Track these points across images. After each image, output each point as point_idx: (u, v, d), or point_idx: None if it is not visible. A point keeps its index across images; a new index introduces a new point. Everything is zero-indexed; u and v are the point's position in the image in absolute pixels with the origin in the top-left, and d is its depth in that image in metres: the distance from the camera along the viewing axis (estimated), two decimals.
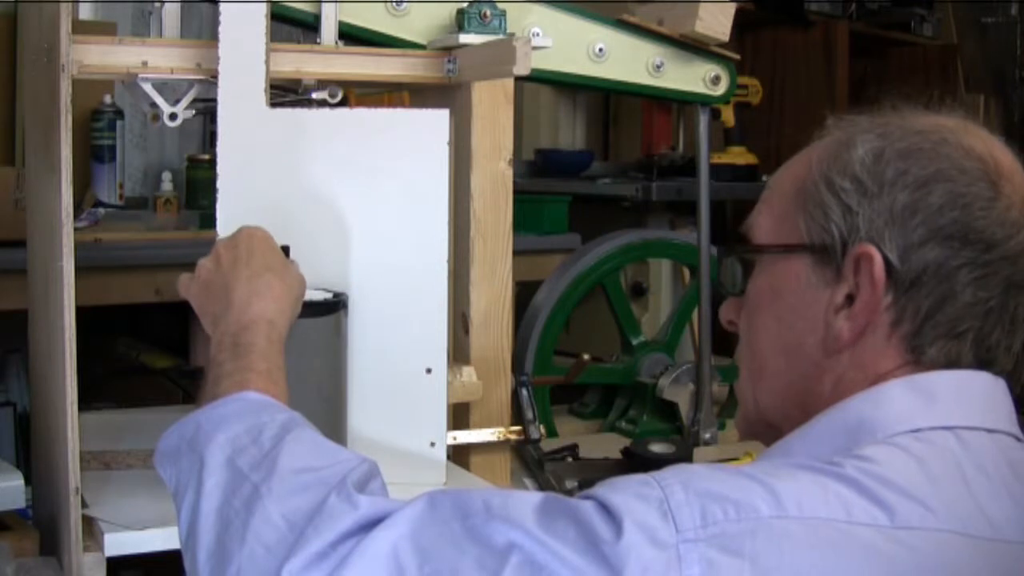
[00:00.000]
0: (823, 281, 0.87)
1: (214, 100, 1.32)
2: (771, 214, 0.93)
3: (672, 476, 0.76)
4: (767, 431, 0.94)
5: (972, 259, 0.83)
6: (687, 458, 1.64)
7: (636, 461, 1.64)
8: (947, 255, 0.83)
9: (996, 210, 0.84)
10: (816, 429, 0.85)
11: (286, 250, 1.26)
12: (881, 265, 0.84)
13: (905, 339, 0.85)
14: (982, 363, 0.85)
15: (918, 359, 0.85)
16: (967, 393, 0.84)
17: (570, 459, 1.69)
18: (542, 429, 1.60)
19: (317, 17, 1.45)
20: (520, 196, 1.58)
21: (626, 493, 0.75)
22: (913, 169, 0.85)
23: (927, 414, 0.82)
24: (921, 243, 0.83)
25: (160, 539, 1.21)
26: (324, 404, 1.24)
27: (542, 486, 1.57)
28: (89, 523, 1.22)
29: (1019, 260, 0.85)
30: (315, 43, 1.45)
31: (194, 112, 1.37)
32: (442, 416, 1.36)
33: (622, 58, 1.73)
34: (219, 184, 1.31)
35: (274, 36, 1.33)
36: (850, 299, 0.86)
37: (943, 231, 0.83)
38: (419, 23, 1.56)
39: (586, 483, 1.53)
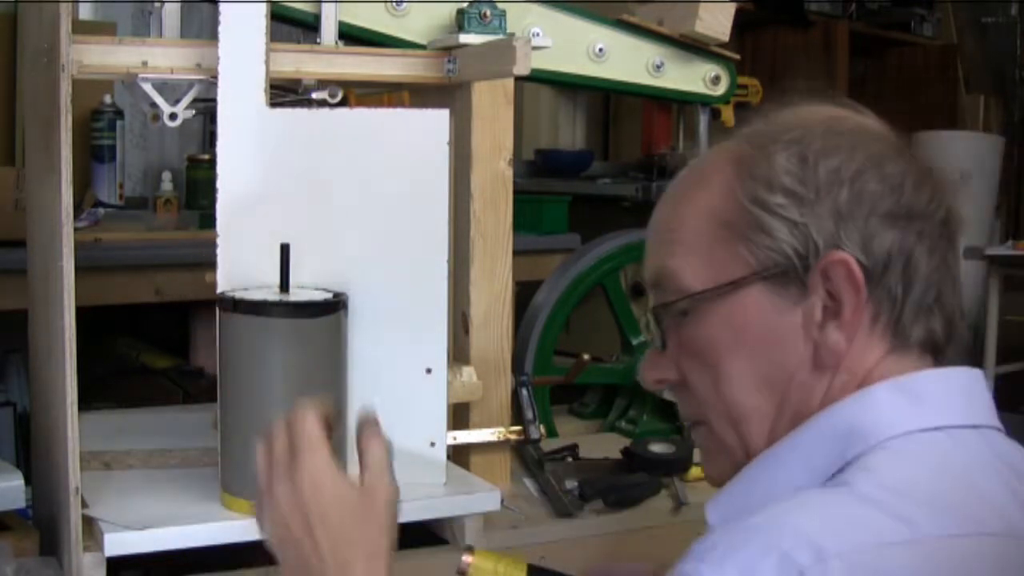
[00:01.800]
0: (787, 303, 0.84)
1: (214, 100, 1.31)
2: (693, 255, 0.87)
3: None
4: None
5: (920, 231, 0.84)
6: (687, 458, 1.64)
7: (636, 461, 1.63)
8: (901, 235, 0.83)
9: (913, 180, 0.85)
10: (806, 437, 0.84)
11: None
12: (856, 266, 0.82)
13: (888, 327, 0.84)
14: (949, 333, 0.86)
15: (904, 343, 0.84)
16: (951, 390, 0.84)
17: (570, 459, 1.69)
18: (542, 429, 1.60)
19: (317, 17, 1.45)
20: (520, 196, 1.58)
21: None
22: (843, 164, 0.84)
23: (917, 416, 0.82)
24: (876, 232, 0.83)
25: (160, 539, 1.21)
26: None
27: (542, 486, 1.57)
28: (89, 523, 1.22)
29: (947, 219, 0.86)
30: (315, 43, 1.45)
31: (194, 112, 1.37)
32: (442, 416, 1.36)
33: (622, 58, 1.73)
34: (219, 184, 1.31)
35: (274, 36, 1.33)
36: (827, 309, 0.84)
37: (890, 214, 0.83)
38: (419, 23, 1.56)
39: (586, 483, 1.53)
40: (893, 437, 0.80)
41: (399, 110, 1.37)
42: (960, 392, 0.85)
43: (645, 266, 0.93)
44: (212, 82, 1.32)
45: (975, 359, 3.56)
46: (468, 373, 1.50)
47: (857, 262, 0.82)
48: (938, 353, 0.86)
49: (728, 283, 0.85)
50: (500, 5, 1.49)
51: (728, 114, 3.15)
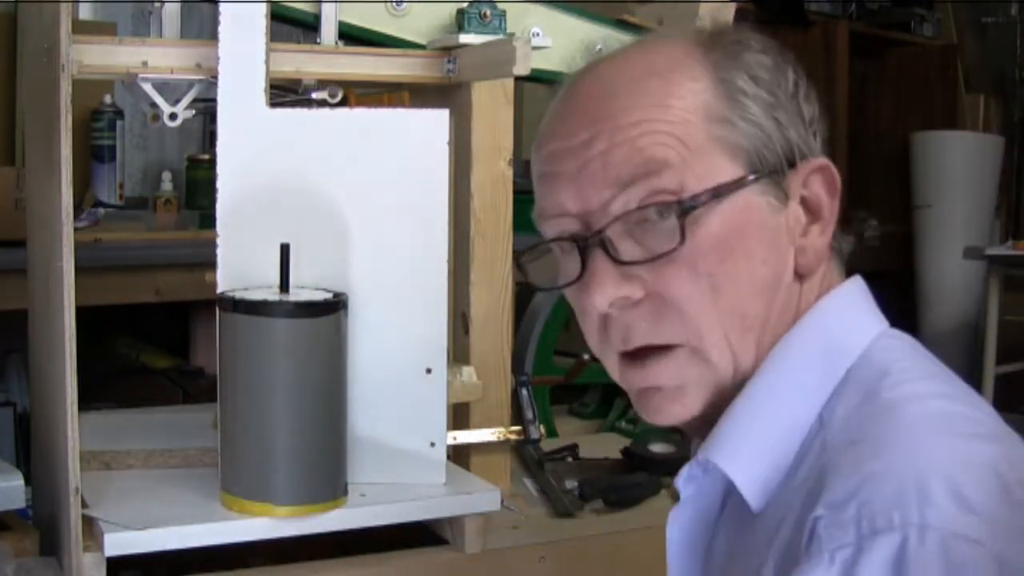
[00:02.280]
0: (775, 204, 0.80)
1: (214, 100, 1.32)
2: (688, 151, 0.79)
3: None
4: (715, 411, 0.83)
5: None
6: (687, 458, 1.63)
7: (636, 461, 1.64)
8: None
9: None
10: (791, 358, 0.80)
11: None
12: (837, 176, 0.82)
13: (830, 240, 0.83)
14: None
15: (838, 251, 0.85)
16: (868, 295, 0.85)
17: (570, 459, 1.69)
18: (542, 429, 1.60)
19: (317, 17, 1.45)
20: (520, 196, 1.58)
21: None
22: (793, 67, 0.83)
23: (871, 322, 0.82)
24: (812, 135, 0.83)
25: (160, 539, 1.21)
26: (324, 404, 1.24)
27: (542, 486, 1.57)
28: (89, 523, 1.22)
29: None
30: (315, 43, 1.45)
31: (194, 112, 1.37)
32: (442, 416, 1.36)
33: None
34: (219, 184, 1.31)
35: (274, 36, 1.33)
36: (808, 214, 0.82)
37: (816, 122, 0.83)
38: (419, 23, 1.56)
39: (586, 483, 1.53)
40: (870, 345, 0.80)
41: (399, 110, 1.37)
42: (871, 296, 0.85)
43: (611, 155, 0.79)
44: (212, 82, 1.32)
45: (975, 359, 3.56)
46: (468, 373, 1.50)
47: None
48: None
49: (732, 181, 0.78)
50: (500, 5, 1.49)
51: None
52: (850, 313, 0.82)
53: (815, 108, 0.83)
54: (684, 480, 0.85)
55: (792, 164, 0.81)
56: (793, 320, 0.81)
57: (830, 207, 0.82)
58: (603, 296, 0.80)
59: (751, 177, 0.79)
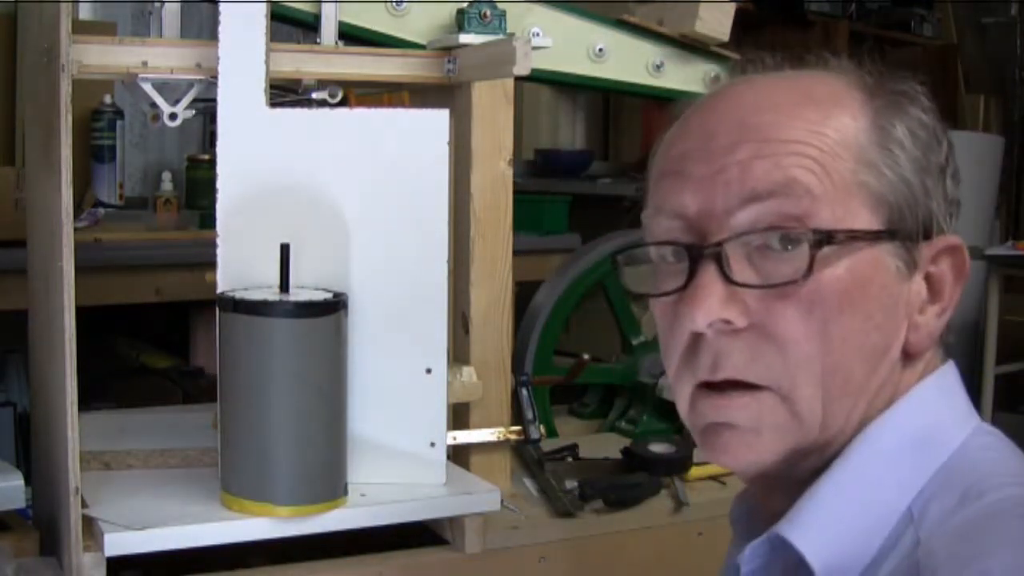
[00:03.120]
0: (903, 273, 0.75)
1: (214, 100, 1.32)
2: (833, 186, 0.73)
3: None
4: (790, 472, 0.78)
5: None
6: (687, 458, 1.64)
7: (636, 461, 1.63)
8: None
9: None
10: (883, 445, 0.75)
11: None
12: (968, 256, 0.77)
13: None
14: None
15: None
16: (962, 386, 0.80)
17: (570, 459, 1.69)
18: (542, 429, 1.60)
19: (317, 17, 1.45)
20: (520, 196, 1.58)
21: None
22: (947, 138, 0.79)
23: (966, 415, 0.78)
24: (950, 215, 0.78)
25: (160, 539, 1.21)
26: (324, 404, 1.24)
27: (542, 486, 1.57)
28: (89, 523, 1.22)
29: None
30: (315, 43, 1.45)
31: (194, 112, 1.37)
32: (442, 416, 1.36)
33: (622, 58, 1.73)
34: (219, 184, 1.31)
35: (274, 36, 1.33)
36: (929, 292, 0.77)
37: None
38: (419, 23, 1.56)
39: (586, 483, 1.53)
40: (965, 441, 0.76)
41: (399, 110, 1.37)
42: (963, 387, 0.81)
43: (752, 165, 0.74)
44: (212, 82, 1.32)
45: (975, 359, 3.56)
46: (468, 373, 1.50)
47: None
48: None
49: (870, 231, 0.73)
50: (500, 5, 1.49)
51: None
52: (946, 403, 0.78)
53: (958, 191, 0.79)
54: (748, 555, 0.77)
55: (928, 235, 0.76)
56: (890, 400, 0.77)
57: (952, 291, 0.77)
58: (705, 314, 0.73)
59: (888, 233, 0.74)
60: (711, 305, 0.73)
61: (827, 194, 0.73)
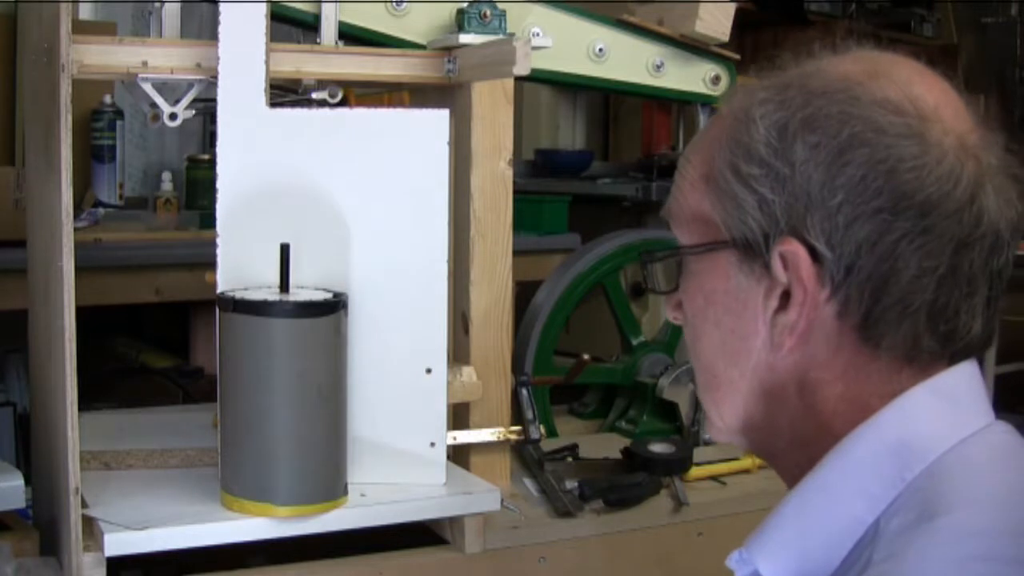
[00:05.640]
0: (753, 278, 0.78)
1: (214, 100, 1.32)
2: (687, 204, 0.83)
3: None
4: (745, 440, 0.85)
5: (910, 228, 0.73)
6: (687, 458, 1.64)
7: (636, 461, 1.63)
8: (881, 230, 0.73)
9: (927, 165, 0.74)
10: (855, 456, 0.75)
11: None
12: (808, 259, 0.75)
13: (856, 330, 0.76)
14: (945, 336, 0.76)
15: (876, 348, 0.76)
16: (974, 388, 0.78)
17: (570, 459, 1.69)
18: (542, 429, 1.60)
19: (317, 17, 1.45)
20: (520, 196, 1.58)
21: None
22: (823, 140, 0.74)
23: (963, 421, 0.76)
24: (848, 224, 0.74)
25: (160, 539, 1.21)
26: (324, 404, 1.24)
27: (542, 486, 1.57)
28: (89, 523, 1.22)
29: (963, 215, 0.74)
30: (315, 43, 1.45)
31: (194, 112, 1.37)
32: (442, 416, 1.36)
33: (622, 58, 1.73)
34: (219, 184, 1.31)
35: (274, 36, 1.33)
36: (786, 297, 0.77)
37: (870, 205, 0.73)
38: (419, 23, 1.56)
39: (586, 483, 1.53)
40: (948, 450, 0.74)
41: (399, 110, 1.37)
42: (980, 388, 0.79)
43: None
44: (212, 82, 1.32)
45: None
46: (468, 373, 1.50)
47: (814, 253, 0.75)
48: (935, 360, 0.78)
49: (705, 244, 0.81)
50: (500, 5, 1.49)
51: None
52: (937, 410, 0.76)
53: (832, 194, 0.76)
54: (734, 563, 0.80)
55: (770, 240, 0.77)
56: (805, 407, 0.79)
57: (800, 296, 0.76)
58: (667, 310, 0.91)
59: (723, 244, 0.81)
60: (666, 305, 0.89)
61: (686, 215, 0.83)
